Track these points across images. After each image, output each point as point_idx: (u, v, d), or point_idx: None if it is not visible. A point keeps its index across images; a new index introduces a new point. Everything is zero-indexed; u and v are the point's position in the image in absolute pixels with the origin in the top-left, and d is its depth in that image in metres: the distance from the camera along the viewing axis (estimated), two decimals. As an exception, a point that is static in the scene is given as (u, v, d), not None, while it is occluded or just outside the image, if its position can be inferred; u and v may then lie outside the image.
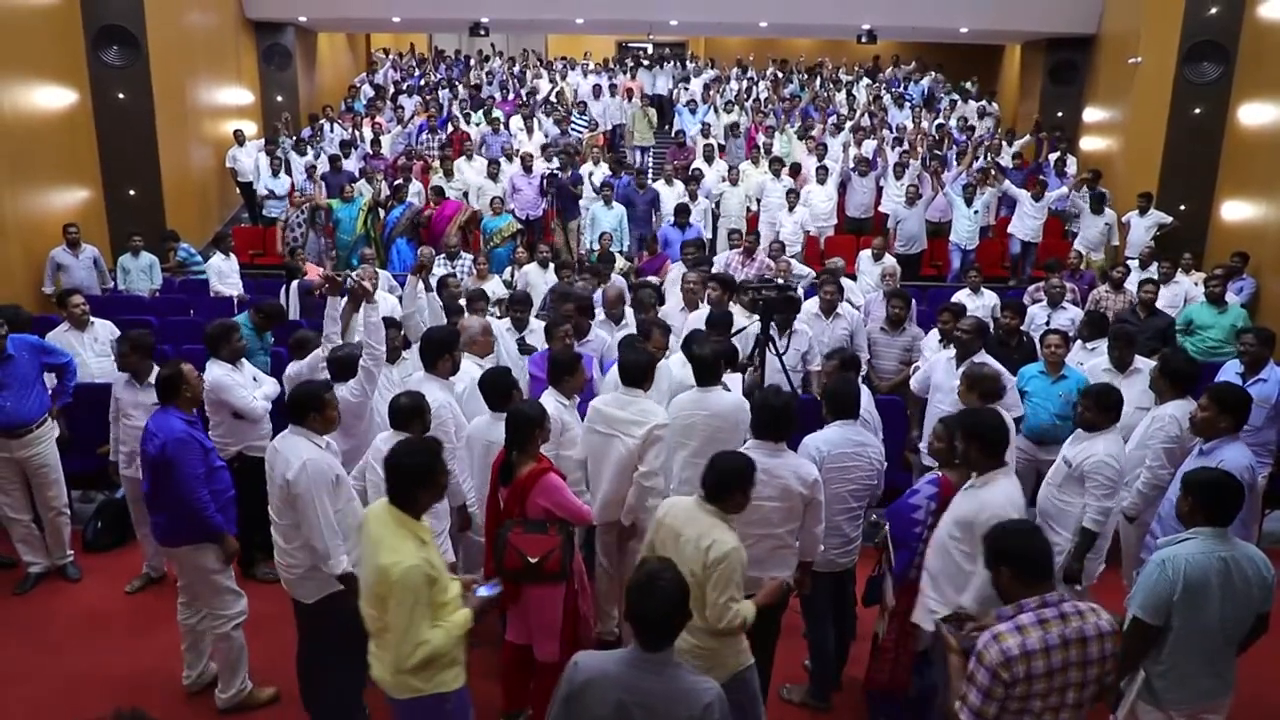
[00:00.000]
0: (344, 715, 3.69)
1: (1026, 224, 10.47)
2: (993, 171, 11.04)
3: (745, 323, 5.74)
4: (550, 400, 4.17)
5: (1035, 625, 2.49)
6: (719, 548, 3.00)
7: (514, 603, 3.61)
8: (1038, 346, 5.79)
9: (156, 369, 5.03)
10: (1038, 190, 10.45)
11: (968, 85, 15.80)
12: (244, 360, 5.17)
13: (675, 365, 4.93)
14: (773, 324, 5.49)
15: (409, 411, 3.84)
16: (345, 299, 4.90)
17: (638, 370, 4.20)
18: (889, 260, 8.68)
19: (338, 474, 3.64)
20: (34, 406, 5.05)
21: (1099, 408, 4.05)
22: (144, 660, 4.51)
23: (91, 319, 6.08)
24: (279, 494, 3.59)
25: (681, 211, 9.61)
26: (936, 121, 13.95)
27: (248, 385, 5.01)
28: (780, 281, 6.48)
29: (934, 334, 6.23)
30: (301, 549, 3.57)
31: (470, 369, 4.71)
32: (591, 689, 2.39)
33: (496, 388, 4.12)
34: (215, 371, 4.81)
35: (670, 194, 10.61)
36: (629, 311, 6.18)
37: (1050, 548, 2.66)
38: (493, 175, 11.02)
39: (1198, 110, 10.15)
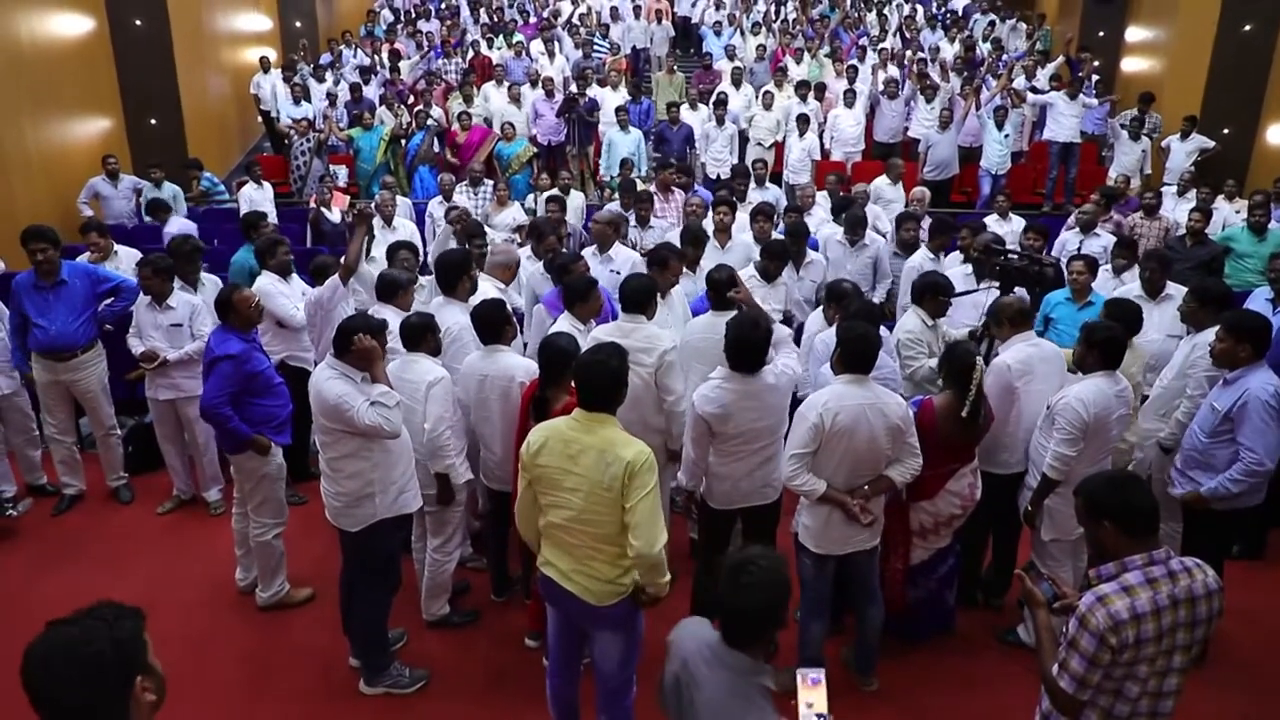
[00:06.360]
0: (377, 638, 3.84)
1: (1063, 124, 10.10)
2: (1023, 92, 10.65)
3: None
4: (566, 326, 4.16)
5: (1144, 585, 2.27)
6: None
7: None
8: (1064, 273, 5.66)
9: (178, 291, 5.13)
10: (1072, 89, 10.11)
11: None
12: (295, 275, 5.41)
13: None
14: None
15: (419, 329, 3.89)
16: (360, 225, 5.02)
17: (640, 296, 4.10)
18: (912, 185, 8.48)
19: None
20: (81, 332, 5.13)
21: (1086, 345, 3.72)
22: (192, 572, 4.74)
23: (117, 248, 6.15)
24: (322, 429, 3.58)
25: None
26: (970, 41, 13.43)
27: (294, 297, 5.27)
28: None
29: (954, 255, 6.11)
30: (349, 479, 3.55)
31: (488, 290, 4.71)
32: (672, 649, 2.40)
33: (488, 320, 4.01)
34: (262, 281, 5.15)
35: (695, 119, 10.39)
36: (619, 245, 5.92)
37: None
38: (514, 100, 10.85)
39: (1248, 27, 9.68)
